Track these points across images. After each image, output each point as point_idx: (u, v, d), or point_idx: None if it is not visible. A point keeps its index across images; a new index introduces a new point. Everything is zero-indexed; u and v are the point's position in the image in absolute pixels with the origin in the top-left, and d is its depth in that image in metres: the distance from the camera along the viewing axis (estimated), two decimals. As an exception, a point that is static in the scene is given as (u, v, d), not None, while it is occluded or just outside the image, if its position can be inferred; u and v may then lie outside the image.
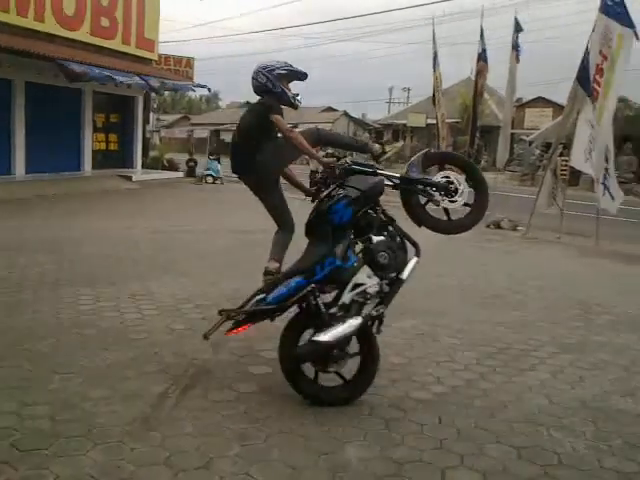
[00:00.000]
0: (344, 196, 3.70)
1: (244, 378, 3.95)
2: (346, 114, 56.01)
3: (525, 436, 3.33)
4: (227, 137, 57.86)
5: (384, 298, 3.66)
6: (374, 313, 3.59)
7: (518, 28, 12.72)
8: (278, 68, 4.42)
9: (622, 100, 32.38)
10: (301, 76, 4.58)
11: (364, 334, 3.62)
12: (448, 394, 3.85)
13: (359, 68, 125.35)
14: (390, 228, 3.80)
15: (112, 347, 4.38)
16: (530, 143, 31.41)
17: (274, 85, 4.40)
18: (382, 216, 3.78)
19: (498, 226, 12.29)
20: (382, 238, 3.74)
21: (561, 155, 12.62)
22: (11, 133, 16.11)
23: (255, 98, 4.67)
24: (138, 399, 3.55)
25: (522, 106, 40.15)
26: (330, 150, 3.92)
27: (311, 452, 3.05)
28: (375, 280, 3.64)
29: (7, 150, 16.12)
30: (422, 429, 3.36)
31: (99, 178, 17.85)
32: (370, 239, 3.70)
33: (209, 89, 20.40)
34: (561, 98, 23.21)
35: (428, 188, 3.92)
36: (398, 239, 3.80)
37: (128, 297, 5.75)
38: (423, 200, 3.97)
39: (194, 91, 21.89)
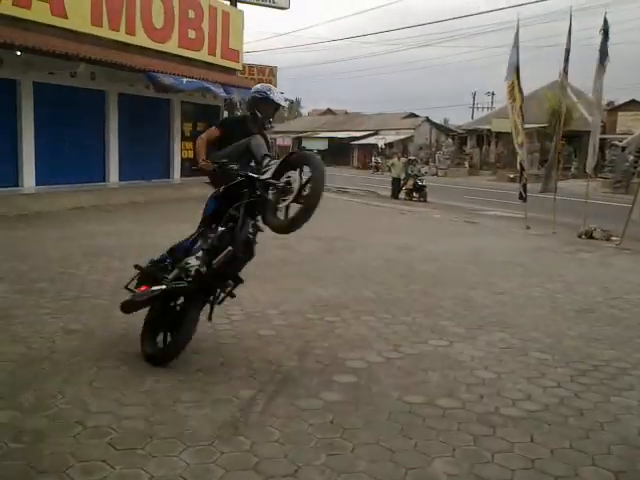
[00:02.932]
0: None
1: (330, 387, 3.96)
2: (428, 120, 55.43)
3: (624, 460, 3.16)
4: (308, 145, 58.74)
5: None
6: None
7: (606, 28, 12.13)
8: (256, 92, 4.72)
9: None
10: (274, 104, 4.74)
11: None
12: (540, 412, 3.71)
13: (441, 73, 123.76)
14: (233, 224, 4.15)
15: (202, 351, 4.50)
16: (623, 149, 30.02)
17: (249, 106, 4.79)
18: (235, 211, 4.14)
19: (590, 236, 11.79)
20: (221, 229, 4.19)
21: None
22: (105, 142, 16.88)
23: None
24: (227, 403, 3.63)
25: (614, 110, 38.50)
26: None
27: (398, 465, 3.02)
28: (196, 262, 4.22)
29: (102, 159, 16.90)
30: (513, 447, 3.25)
31: (187, 185, 18.38)
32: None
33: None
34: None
35: (270, 189, 4.08)
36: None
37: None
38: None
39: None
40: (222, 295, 4.44)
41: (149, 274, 4.47)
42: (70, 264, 7.40)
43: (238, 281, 4.45)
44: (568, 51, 12.96)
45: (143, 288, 4.42)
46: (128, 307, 4.55)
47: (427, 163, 43.17)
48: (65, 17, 14.43)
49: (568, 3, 13.67)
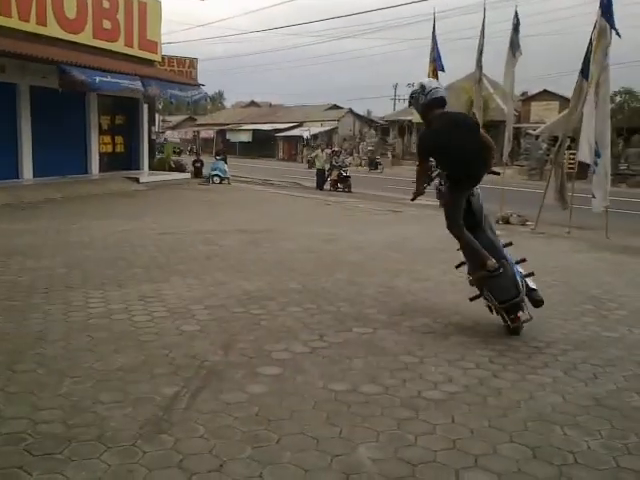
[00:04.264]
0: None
1: (255, 379, 3.94)
2: (351, 112, 55.96)
3: (539, 435, 3.30)
4: (232, 137, 58.16)
5: None
6: None
7: (517, 22, 12.61)
8: None
9: (628, 92, 32.31)
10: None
11: None
12: (460, 393, 3.82)
13: (363, 65, 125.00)
14: None
15: (123, 350, 4.38)
16: (537, 137, 31.29)
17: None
18: None
19: (507, 221, 12.25)
20: None
21: (569, 148, 12.56)
22: (18, 137, 16.16)
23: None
24: (150, 402, 3.55)
25: (528, 100, 40.03)
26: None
27: (324, 454, 3.04)
28: None
29: (14, 154, 16.18)
30: (435, 429, 3.34)
31: (106, 180, 17.89)
32: None
33: (206, 99, 20.72)
34: (567, 91, 23.06)
35: None
36: None
37: (138, 299, 5.75)
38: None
39: (189, 105, 22.46)
40: None
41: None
42: (-19, 265, 7.05)
43: None
44: (482, 44, 13.39)
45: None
46: None
47: (351, 154, 43.59)
48: (-31, 6, 13.71)
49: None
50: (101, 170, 19.29)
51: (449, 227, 5.07)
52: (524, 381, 4.06)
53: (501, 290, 4.84)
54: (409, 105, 5.40)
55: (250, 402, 3.59)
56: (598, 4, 10.38)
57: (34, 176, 16.51)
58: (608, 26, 10.26)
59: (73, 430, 3.19)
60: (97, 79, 15.16)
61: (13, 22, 14.88)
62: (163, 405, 3.51)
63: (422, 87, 5.01)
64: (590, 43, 10.53)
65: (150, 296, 5.88)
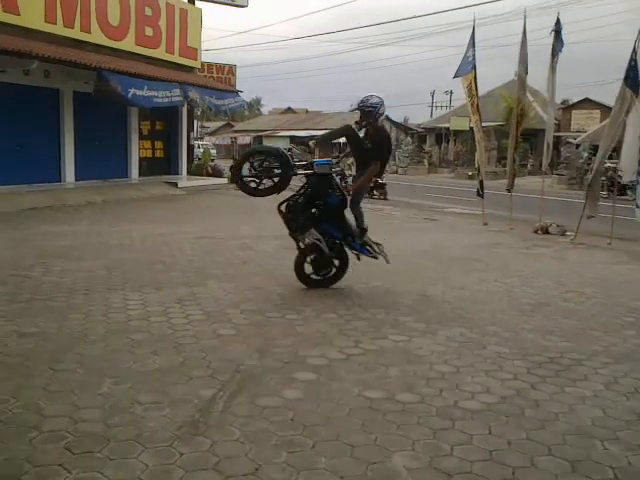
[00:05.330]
0: None
1: (290, 384, 3.96)
2: (387, 118, 55.81)
3: (578, 449, 3.24)
4: (270, 143, 58.52)
5: None
6: None
7: (558, 28, 12.37)
8: None
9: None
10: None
11: None
12: (498, 404, 3.78)
13: (400, 72, 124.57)
14: None
15: (161, 352, 4.45)
16: (577, 146, 30.77)
17: None
18: None
19: (546, 231, 12.04)
20: None
21: (610, 158, 12.30)
22: (60, 141, 16.51)
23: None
24: (187, 404, 3.59)
25: (568, 108, 39.48)
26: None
27: (359, 461, 3.03)
28: None
29: (57, 158, 16.53)
30: (471, 439, 3.30)
31: (146, 185, 18.16)
32: None
33: (243, 106, 20.95)
34: (609, 99, 22.65)
35: None
36: None
37: (175, 302, 5.83)
38: None
39: (227, 114, 22.71)
40: None
41: None
42: (23, 266, 7.22)
43: None
44: (525, 52, 13.19)
45: None
46: None
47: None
48: (17, 14, 14.09)
49: (523, 3, 13.92)
50: (141, 175, 19.58)
51: (357, 203, 6.57)
52: (563, 393, 3.99)
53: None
54: (359, 109, 6.44)
55: (285, 407, 3.61)
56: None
57: (76, 179, 16.84)
58: None
59: (112, 430, 3.25)
60: (130, 92, 15.17)
61: (58, 28, 15.22)
62: (200, 407, 3.55)
63: (382, 101, 6.46)
64: (634, 51, 10.31)
65: (187, 299, 5.95)
